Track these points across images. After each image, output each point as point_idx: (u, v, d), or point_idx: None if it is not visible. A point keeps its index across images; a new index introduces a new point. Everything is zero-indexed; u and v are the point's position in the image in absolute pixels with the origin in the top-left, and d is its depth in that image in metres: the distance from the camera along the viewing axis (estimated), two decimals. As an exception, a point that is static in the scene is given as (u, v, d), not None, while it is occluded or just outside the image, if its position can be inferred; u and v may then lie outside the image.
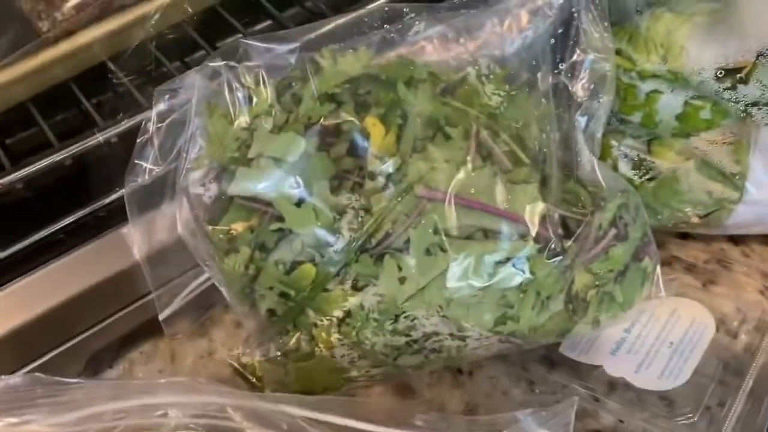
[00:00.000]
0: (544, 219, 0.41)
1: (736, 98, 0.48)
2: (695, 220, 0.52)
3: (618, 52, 0.50)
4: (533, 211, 0.41)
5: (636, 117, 0.51)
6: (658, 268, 0.47)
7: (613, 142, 0.52)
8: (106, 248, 0.46)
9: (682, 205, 0.51)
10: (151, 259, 0.44)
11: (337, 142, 0.41)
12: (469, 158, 0.41)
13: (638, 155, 0.51)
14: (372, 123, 0.41)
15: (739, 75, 0.48)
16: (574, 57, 0.48)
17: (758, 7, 0.46)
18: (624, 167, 0.52)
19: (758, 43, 0.47)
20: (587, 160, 0.46)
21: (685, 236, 0.55)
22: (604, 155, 0.52)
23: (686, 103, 0.49)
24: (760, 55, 0.47)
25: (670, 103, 0.50)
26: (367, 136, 0.40)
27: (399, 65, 0.44)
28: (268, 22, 0.56)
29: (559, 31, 0.49)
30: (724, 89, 0.48)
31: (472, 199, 0.40)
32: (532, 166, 0.43)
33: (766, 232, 0.56)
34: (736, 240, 0.56)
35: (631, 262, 0.45)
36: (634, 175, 0.51)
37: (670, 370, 0.46)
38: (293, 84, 0.42)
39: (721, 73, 0.48)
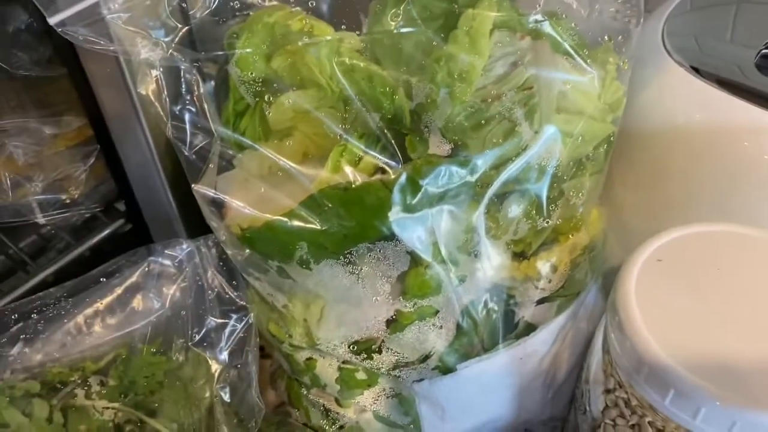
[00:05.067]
0: None
1: (376, 366, 0.45)
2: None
3: (276, 323, 0.47)
4: None
5: (306, 379, 0.48)
6: None
7: (303, 391, 0.50)
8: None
9: (375, 448, 0.49)
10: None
11: None
12: None
13: (324, 405, 0.49)
14: None
15: (372, 346, 0.44)
16: (209, 324, 0.47)
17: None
18: (315, 417, 0.50)
19: (378, 322, 0.43)
20: None
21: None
22: (296, 403, 0.51)
23: (340, 367, 0.46)
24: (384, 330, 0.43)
25: (326, 368, 0.47)
26: None
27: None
28: None
29: (190, 299, 0.47)
30: (362, 360, 0.44)
31: None
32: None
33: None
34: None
35: None
36: (325, 424, 0.49)
37: None
38: None
39: (353, 346, 0.44)
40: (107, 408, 0.42)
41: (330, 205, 0.39)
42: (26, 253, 0.50)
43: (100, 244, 0.51)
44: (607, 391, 0.43)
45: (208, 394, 0.44)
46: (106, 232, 0.51)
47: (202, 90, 0.39)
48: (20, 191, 0.48)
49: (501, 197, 0.41)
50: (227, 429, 0.42)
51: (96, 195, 0.52)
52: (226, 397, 0.44)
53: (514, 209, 0.42)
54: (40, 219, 0.49)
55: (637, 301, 0.38)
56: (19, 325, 0.43)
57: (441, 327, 0.43)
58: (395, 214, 0.39)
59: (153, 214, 0.50)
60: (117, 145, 0.46)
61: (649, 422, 0.40)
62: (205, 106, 0.40)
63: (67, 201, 0.50)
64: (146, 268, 0.46)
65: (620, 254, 0.51)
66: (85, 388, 0.42)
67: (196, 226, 0.48)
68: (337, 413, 0.49)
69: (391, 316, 0.42)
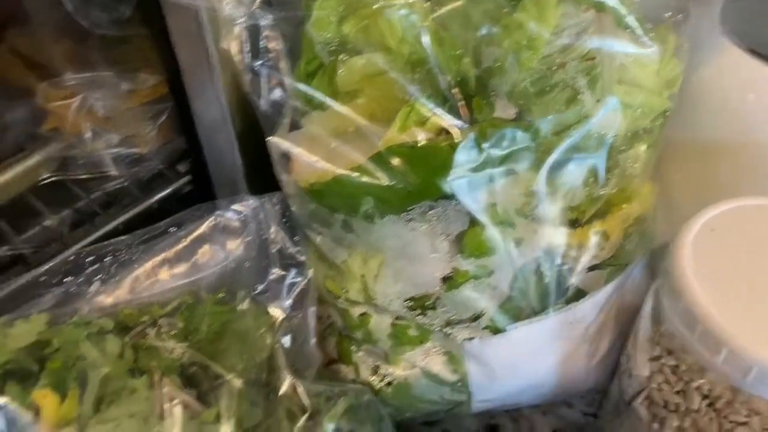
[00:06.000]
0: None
1: (429, 322, 0.46)
2: (441, 415, 0.52)
3: (332, 279, 0.49)
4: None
5: (359, 334, 0.50)
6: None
7: (353, 348, 0.52)
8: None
9: (423, 405, 0.51)
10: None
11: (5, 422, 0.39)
12: (156, 408, 0.40)
13: (374, 362, 0.51)
14: (42, 395, 0.40)
15: (426, 302, 0.46)
16: (271, 276, 0.48)
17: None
18: (364, 372, 0.52)
19: (435, 278, 0.44)
20: (288, 383, 0.45)
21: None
22: (346, 360, 0.53)
23: (393, 323, 0.48)
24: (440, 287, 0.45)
25: (380, 324, 0.49)
26: (38, 410, 0.39)
27: (76, 325, 0.43)
28: None
29: (254, 252, 0.49)
30: (416, 315, 0.46)
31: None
32: (241, 390, 0.43)
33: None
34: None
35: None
36: (374, 380, 0.51)
37: None
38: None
39: (409, 302, 0.46)
40: (175, 348, 0.44)
41: (396, 163, 0.40)
42: (97, 204, 0.53)
43: (166, 200, 0.54)
44: (653, 359, 0.44)
45: (269, 342, 0.46)
46: (172, 188, 0.54)
47: (279, 47, 0.41)
48: (97, 143, 0.51)
49: (560, 163, 0.43)
50: (287, 373, 0.44)
51: (164, 152, 0.54)
52: (287, 345, 0.46)
53: (573, 176, 0.43)
54: (113, 171, 0.52)
55: (691, 265, 0.39)
56: (95, 266, 0.46)
57: (495, 287, 0.45)
58: (457, 174, 0.40)
59: (218, 172, 0.52)
60: (191, 102, 0.48)
61: (695, 387, 0.41)
62: (281, 63, 0.42)
63: (137, 156, 0.53)
64: (213, 221, 0.49)
65: (668, 232, 0.52)
66: (156, 328, 0.45)
67: (258, 187, 0.51)
68: (386, 370, 0.51)
69: (448, 274, 0.44)
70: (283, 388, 0.45)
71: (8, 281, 0.44)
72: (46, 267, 0.45)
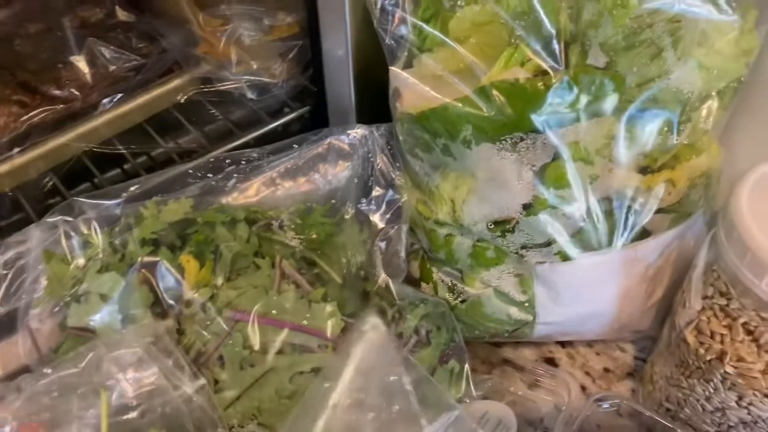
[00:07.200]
0: (342, 332, 0.48)
1: (507, 244, 0.53)
2: (506, 335, 0.59)
3: (424, 203, 0.57)
4: (332, 325, 0.48)
5: (441, 255, 0.57)
6: (467, 369, 0.54)
7: (434, 269, 0.59)
8: None
9: (491, 323, 0.58)
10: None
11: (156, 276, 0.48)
12: (275, 284, 0.49)
13: (451, 281, 0.58)
14: (186, 260, 0.49)
15: (507, 226, 0.52)
16: (374, 193, 0.57)
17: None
18: (441, 290, 0.59)
19: (517, 204, 0.51)
20: (382, 279, 0.54)
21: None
22: (426, 278, 0.60)
23: (474, 245, 0.55)
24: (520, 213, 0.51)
25: (462, 245, 0.55)
26: (182, 271, 0.48)
27: (216, 210, 0.53)
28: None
29: (361, 171, 0.58)
30: (496, 237, 0.53)
31: (277, 318, 0.47)
32: (341, 284, 0.51)
33: (572, 339, 0.61)
34: (563, 342, 0.63)
35: (437, 365, 0.52)
36: (450, 297, 0.58)
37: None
38: (121, 231, 0.50)
39: (491, 225, 0.53)
40: (293, 239, 0.53)
41: (497, 96, 0.47)
42: (231, 123, 0.62)
43: (287, 125, 0.62)
44: (705, 298, 0.50)
45: (368, 245, 0.54)
46: (292, 116, 0.62)
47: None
48: (239, 69, 0.60)
49: (640, 113, 0.49)
50: (382, 271, 0.52)
51: (288, 85, 0.63)
52: (382, 251, 0.54)
53: (649, 126, 0.49)
54: (249, 95, 0.61)
55: (746, 205, 0.45)
56: (232, 168, 0.55)
57: (568, 218, 0.51)
58: (549, 111, 0.47)
59: (335, 105, 0.61)
60: (322, 40, 0.56)
61: (743, 324, 0.47)
62: (407, 3, 0.49)
63: (268, 86, 0.62)
64: (328, 143, 0.57)
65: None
66: (278, 222, 0.53)
67: (365, 120, 0.59)
68: (462, 288, 0.58)
69: (528, 201, 0.51)
70: (378, 282, 0.52)
71: (162, 172, 0.54)
72: (193, 164, 0.55)
